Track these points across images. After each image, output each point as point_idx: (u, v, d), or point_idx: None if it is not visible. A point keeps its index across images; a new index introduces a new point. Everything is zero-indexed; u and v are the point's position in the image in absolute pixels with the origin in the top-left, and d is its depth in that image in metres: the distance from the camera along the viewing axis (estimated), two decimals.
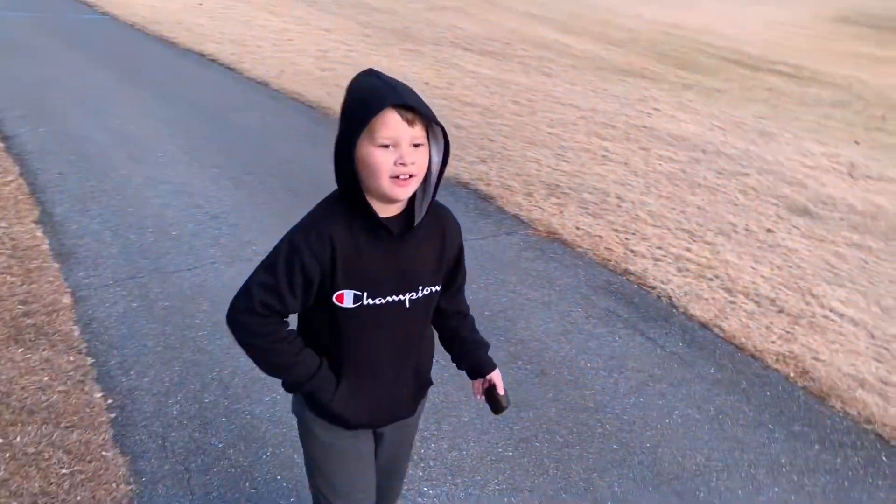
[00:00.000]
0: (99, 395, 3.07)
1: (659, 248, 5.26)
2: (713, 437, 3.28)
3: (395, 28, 13.44)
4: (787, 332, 4.28)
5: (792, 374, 3.87)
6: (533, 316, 4.10)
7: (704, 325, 4.25)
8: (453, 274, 1.89)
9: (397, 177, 1.58)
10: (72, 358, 3.27)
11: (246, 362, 3.37)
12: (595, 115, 8.83)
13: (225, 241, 4.53)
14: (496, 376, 1.96)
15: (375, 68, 1.69)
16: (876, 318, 4.59)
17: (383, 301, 1.72)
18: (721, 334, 4.18)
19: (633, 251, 5.15)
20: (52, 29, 10.92)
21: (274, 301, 1.67)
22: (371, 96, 1.58)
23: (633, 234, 5.45)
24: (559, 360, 3.70)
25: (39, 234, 4.38)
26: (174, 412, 3.03)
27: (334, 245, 1.63)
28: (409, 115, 1.57)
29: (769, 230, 5.83)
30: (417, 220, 1.70)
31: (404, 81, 1.65)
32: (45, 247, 4.24)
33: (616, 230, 5.50)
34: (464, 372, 2.01)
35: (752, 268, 5.10)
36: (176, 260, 4.25)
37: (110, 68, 8.65)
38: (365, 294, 1.69)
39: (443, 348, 2.02)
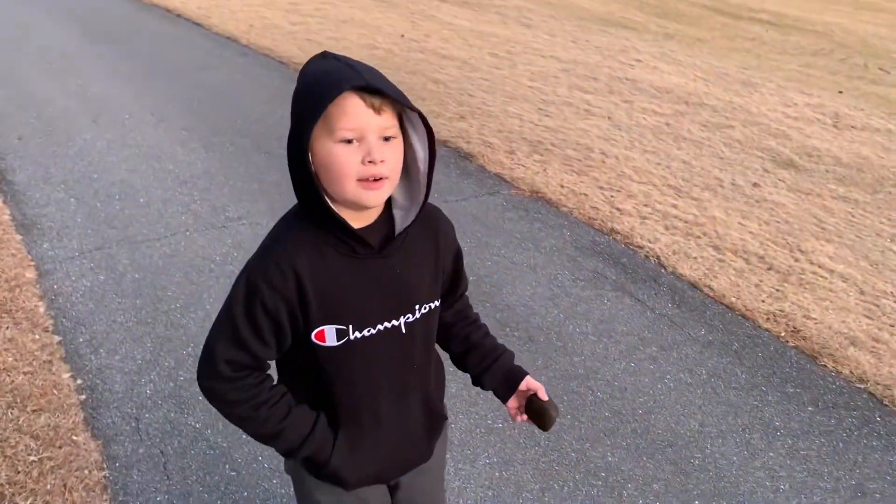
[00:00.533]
0: (67, 375, 2.92)
1: (645, 205, 5.14)
2: (706, 401, 3.20)
3: None
4: (777, 290, 4.20)
5: (783, 334, 3.80)
6: (519, 280, 3.97)
7: (694, 285, 4.16)
8: (453, 283, 1.58)
9: (366, 179, 1.27)
10: (37, 336, 3.10)
11: None
12: (576, 66, 8.62)
13: (196, 208, 4.34)
14: (533, 382, 1.60)
15: (331, 50, 1.36)
16: (865, 273, 4.52)
17: (374, 331, 1.41)
18: (711, 294, 4.09)
19: (619, 209, 5.02)
20: None
21: (241, 356, 1.38)
22: (325, 79, 1.25)
23: (619, 191, 5.33)
24: (547, 326, 3.60)
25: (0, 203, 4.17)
26: (147, 391, 2.89)
27: (300, 277, 1.32)
28: (376, 101, 1.25)
29: (755, 184, 5.73)
30: (401, 227, 1.39)
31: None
32: (6, 217, 4.03)
33: (601, 187, 5.37)
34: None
35: (740, 224, 5.01)
36: (145, 229, 4.06)
37: (70, 26, 8.27)
38: (350, 327, 1.38)
39: (458, 370, 1.71)
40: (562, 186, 5.31)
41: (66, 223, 4.04)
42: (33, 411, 2.70)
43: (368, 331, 1.40)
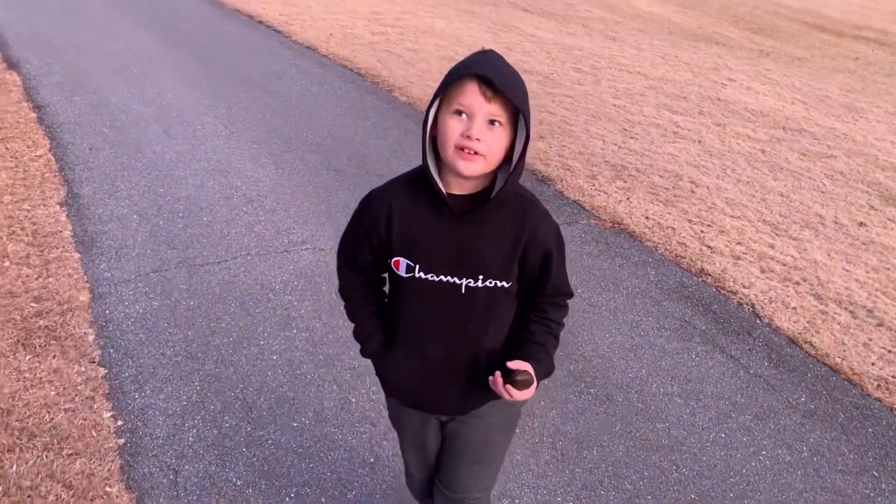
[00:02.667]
0: (108, 414, 2.74)
1: (739, 243, 4.71)
2: (808, 485, 2.80)
3: None
4: (889, 352, 3.74)
5: None
6: (597, 326, 3.64)
7: (793, 341, 3.74)
8: (539, 280, 1.70)
9: (462, 149, 1.49)
10: (83, 368, 2.94)
11: (273, 378, 3.04)
12: (665, 84, 8.18)
13: (260, 230, 4.15)
14: (521, 363, 1.64)
15: (493, 49, 1.58)
16: None
17: (435, 278, 1.64)
18: (812, 352, 3.66)
19: (709, 247, 4.62)
20: None
21: (349, 254, 1.76)
22: (460, 65, 1.51)
23: (710, 225, 4.91)
24: (627, 383, 3.25)
25: (63, 217, 4.07)
26: (190, 439, 2.68)
27: (391, 212, 1.63)
28: (488, 91, 1.47)
29: (861, 223, 5.21)
30: (490, 201, 1.58)
31: (493, 53, 1.52)
32: (68, 233, 3.92)
33: (690, 220, 4.96)
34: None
35: (845, 269, 4.53)
36: (206, 251, 3.89)
37: (152, 30, 8.31)
38: (417, 266, 1.65)
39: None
40: (646, 218, 4.93)
41: (125, 242, 3.91)
42: (69, 455, 2.53)
43: (431, 276, 1.64)
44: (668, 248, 4.57)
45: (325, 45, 8.36)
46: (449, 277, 1.63)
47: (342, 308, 1.85)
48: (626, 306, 3.84)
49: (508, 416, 1.90)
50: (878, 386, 3.47)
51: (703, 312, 3.88)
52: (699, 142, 6.48)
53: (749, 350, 3.60)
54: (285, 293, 3.60)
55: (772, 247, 4.71)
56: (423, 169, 1.57)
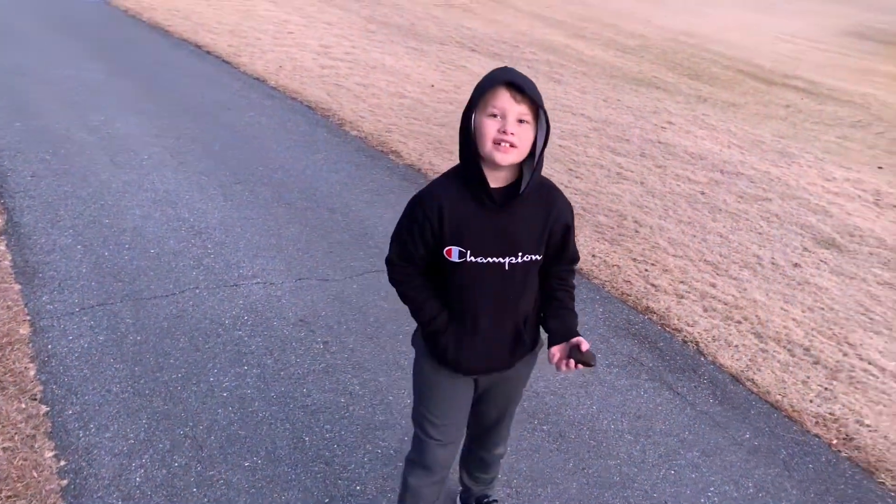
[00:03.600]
0: (50, 454, 2.64)
1: (682, 282, 4.85)
2: None
3: (400, 24, 12.98)
4: (826, 389, 3.88)
5: (835, 441, 3.47)
6: (547, 363, 3.67)
7: (736, 378, 3.85)
8: (559, 251, 2.06)
9: (499, 143, 1.81)
10: (23, 405, 2.83)
11: (224, 416, 2.97)
12: (608, 127, 8.41)
13: (209, 263, 4.09)
14: (579, 339, 2.01)
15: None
16: None
17: (485, 261, 1.95)
18: (755, 389, 3.78)
19: (654, 285, 4.74)
20: (36, 10, 10.39)
21: (402, 251, 2.03)
22: (491, 76, 1.86)
23: (654, 264, 5.04)
24: (579, 420, 3.29)
25: (2, 247, 3.93)
26: (137, 479, 2.60)
27: (442, 206, 1.91)
28: (518, 95, 1.82)
29: (796, 264, 5.43)
30: (522, 189, 1.90)
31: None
32: (7, 263, 3.79)
33: (635, 259, 5.09)
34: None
35: (783, 309, 4.70)
36: (153, 284, 3.81)
37: (98, 57, 8.15)
38: (468, 252, 1.94)
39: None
40: (593, 256, 5.04)
41: (69, 273, 3.80)
42: (8, 498, 2.42)
43: (480, 259, 1.95)
44: (615, 285, 4.67)
45: (275, 78, 8.35)
46: (495, 258, 1.94)
47: (400, 295, 2.11)
48: None
49: (531, 365, 2.28)
50: (817, 423, 3.60)
51: (649, 349, 3.97)
52: (642, 183, 6.67)
53: (695, 387, 3.69)
54: (235, 328, 3.54)
55: (713, 286, 4.86)
56: (469, 167, 1.88)
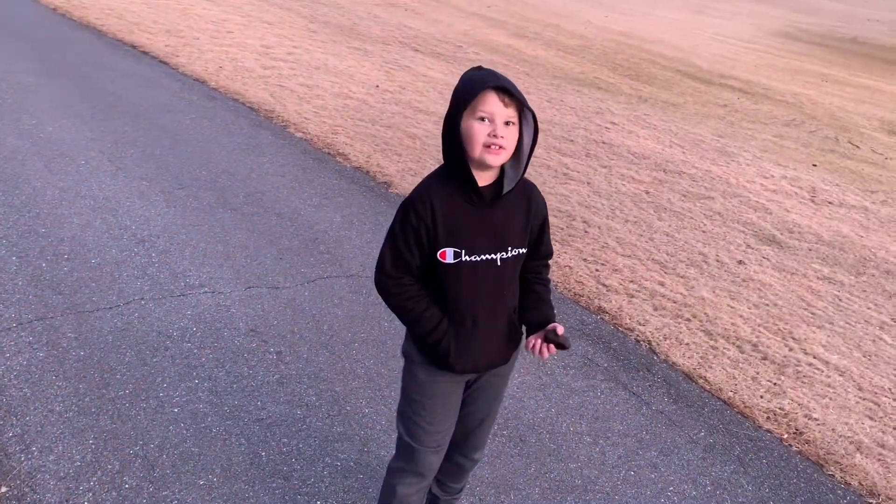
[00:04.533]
0: None
1: (632, 281, 4.90)
2: None
3: (341, 24, 12.85)
4: (775, 385, 3.97)
5: (786, 436, 3.55)
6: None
7: (688, 376, 3.90)
8: (537, 242, 2.13)
9: (489, 146, 1.86)
10: None
11: (175, 433, 2.86)
12: (553, 127, 8.48)
13: (154, 272, 3.95)
14: (554, 325, 2.05)
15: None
16: (860, 365, 4.33)
17: (479, 258, 1.99)
18: (707, 386, 3.84)
19: (605, 285, 4.78)
20: None
21: (397, 260, 1.99)
22: (477, 80, 1.88)
23: (604, 264, 5.09)
24: (538, 423, 3.28)
25: None
26: (85, 503, 2.48)
27: (434, 209, 1.93)
28: (506, 98, 1.86)
29: (740, 261, 5.55)
30: (506, 189, 1.97)
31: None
32: None
33: (585, 259, 5.13)
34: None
35: (730, 306, 4.80)
36: (95, 296, 3.65)
37: (28, 58, 7.80)
38: (463, 251, 1.97)
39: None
40: None
41: (4, 287, 3.61)
42: None
43: (475, 257, 1.98)
44: (567, 286, 4.70)
45: (215, 79, 8.14)
46: (488, 255, 1.99)
47: (396, 312, 2.06)
48: None
49: (511, 368, 2.29)
50: (769, 418, 3.67)
51: (603, 350, 4.00)
52: (588, 183, 6.73)
53: (650, 386, 3.72)
54: (184, 340, 3.42)
55: (662, 284, 4.93)
56: (459, 167, 1.91)
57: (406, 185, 5.86)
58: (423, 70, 10.28)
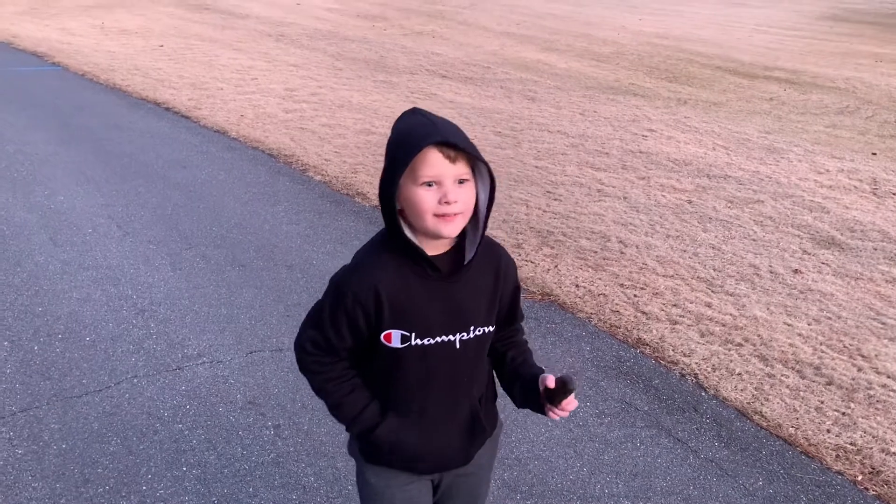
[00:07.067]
0: None
1: (675, 305, 4.47)
2: None
3: (368, 58, 12.72)
4: (843, 414, 3.49)
5: (860, 477, 3.07)
6: (531, 420, 3.29)
7: (742, 413, 3.45)
8: (509, 314, 1.79)
9: (442, 216, 1.51)
10: None
11: None
12: (586, 141, 8.08)
13: (150, 346, 3.71)
14: (546, 380, 1.64)
15: (420, 107, 1.59)
16: None
17: (433, 341, 1.63)
18: (764, 423, 3.39)
19: (644, 312, 4.36)
20: None
21: (321, 341, 1.64)
22: (412, 134, 1.50)
23: (643, 288, 4.66)
24: (568, 487, 2.89)
25: None
26: None
27: (378, 290, 1.56)
28: (451, 153, 1.49)
29: (796, 270, 5.05)
30: (468, 258, 1.61)
31: (446, 119, 1.53)
32: None
33: (622, 285, 4.71)
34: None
35: (786, 324, 4.31)
36: (85, 378, 3.43)
37: (48, 128, 7.81)
38: (413, 334, 1.61)
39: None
40: (577, 286, 4.67)
41: None
42: None
43: (428, 340, 1.62)
44: (602, 317, 4.30)
45: (236, 128, 8.03)
46: (445, 336, 1.63)
47: (315, 390, 1.72)
48: None
49: (493, 452, 1.92)
50: (838, 457, 3.20)
51: (644, 390, 3.58)
52: (624, 198, 6.31)
53: (697, 430, 3.29)
54: (175, 421, 3.15)
55: (709, 306, 4.48)
56: (403, 241, 1.55)
57: None
58: (450, 96, 10.02)
